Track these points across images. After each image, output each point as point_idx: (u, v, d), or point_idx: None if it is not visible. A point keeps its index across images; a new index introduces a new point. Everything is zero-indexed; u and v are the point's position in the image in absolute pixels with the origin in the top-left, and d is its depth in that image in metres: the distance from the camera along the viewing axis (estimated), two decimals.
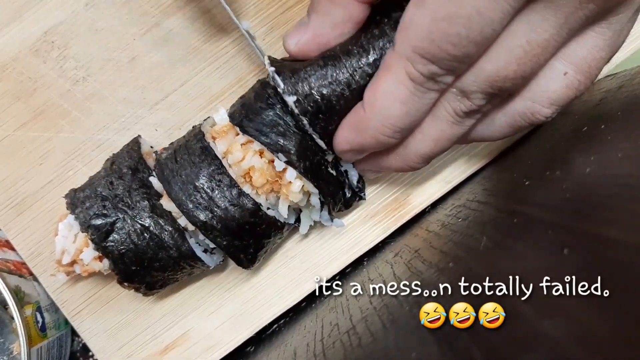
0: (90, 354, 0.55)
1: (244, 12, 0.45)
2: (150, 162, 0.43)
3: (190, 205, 0.39)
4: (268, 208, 0.41)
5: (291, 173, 0.39)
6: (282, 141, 0.38)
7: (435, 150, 0.36)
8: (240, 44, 0.46)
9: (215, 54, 0.46)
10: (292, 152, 0.38)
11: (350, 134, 0.37)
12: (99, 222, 0.40)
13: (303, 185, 0.39)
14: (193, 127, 0.43)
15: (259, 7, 0.45)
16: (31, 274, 0.48)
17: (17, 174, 0.46)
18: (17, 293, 0.47)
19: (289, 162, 0.38)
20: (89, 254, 0.41)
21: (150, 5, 0.46)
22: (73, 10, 0.46)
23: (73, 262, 0.42)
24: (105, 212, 0.41)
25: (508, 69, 0.30)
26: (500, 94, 0.32)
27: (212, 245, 0.42)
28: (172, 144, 0.43)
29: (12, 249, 0.48)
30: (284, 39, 0.38)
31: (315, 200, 0.41)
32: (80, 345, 0.55)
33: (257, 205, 0.39)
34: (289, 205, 0.41)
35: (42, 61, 0.46)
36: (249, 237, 0.41)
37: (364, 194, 0.44)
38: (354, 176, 0.44)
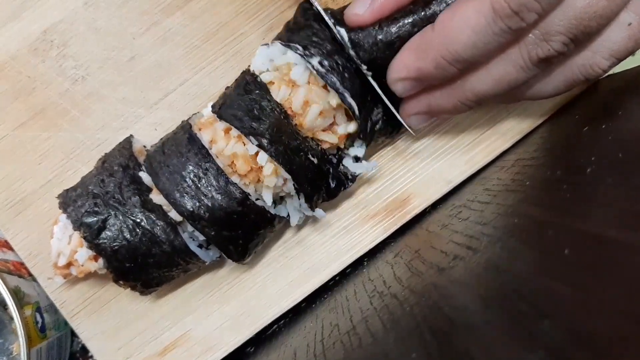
0: (90, 354, 0.55)
1: (244, 10, 0.45)
2: (142, 159, 0.43)
3: (177, 195, 0.39)
4: (257, 199, 0.41)
5: (263, 156, 0.39)
6: (255, 125, 0.38)
7: (492, 91, 0.36)
8: (240, 42, 0.46)
9: (215, 53, 0.46)
10: (265, 135, 0.38)
11: (410, 55, 0.36)
12: (90, 219, 0.40)
13: (276, 169, 0.39)
14: (182, 122, 0.43)
15: (259, 6, 0.45)
16: (30, 274, 0.48)
17: (16, 174, 0.46)
18: (16, 293, 0.47)
19: (259, 145, 0.38)
20: (84, 253, 0.41)
21: (149, 4, 0.46)
22: (72, 9, 0.46)
23: (69, 264, 0.42)
24: (96, 209, 0.40)
25: (598, 4, 0.31)
26: (581, 37, 0.32)
27: (203, 238, 0.42)
28: (161, 138, 0.43)
29: (12, 249, 0.48)
30: (349, 10, 0.38)
31: (290, 186, 0.41)
32: (80, 345, 0.55)
33: (245, 195, 0.39)
34: (277, 197, 0.41)
35: (41, 60, 0.46)
36: (237, 228, 0.40)
37: (349, 184, 0.44)
38: (354, 168, 0.43)
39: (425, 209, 0.47)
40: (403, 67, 0.37)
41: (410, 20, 0.37)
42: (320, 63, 0.38)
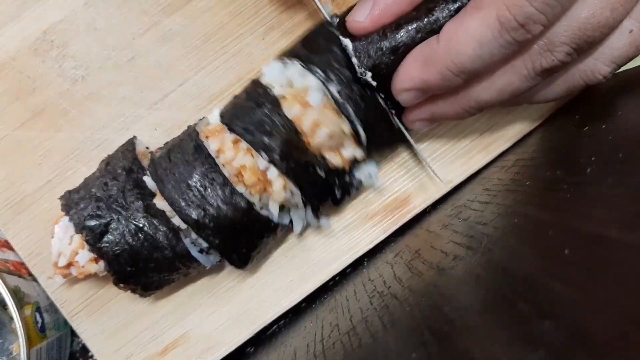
0: (90, 354, 0.55)
1: (244, 10, 0.45)
2: (146, 162, 0.43)
3: (183, 204, 0.39)
4: (261, 208, 0.41)
5: (273, 172, 0.39)
6: (266, 140, 0.38)
7: (495, 100, 0.36)
8: (240, 43, 0.46)
9: (215, 53, 0.46)
10: (276, 151, 0.38)
11: (415, 66, 0.36)
12: (93, 223, 0.40)
13: (285, 184, 0.39)
14: (188, 127, 0.43)
15: (258, 6, 0.45)
16: (30, 274, 0.48)
17: (16, 174, 0.46)
18: (16, 293, 0.47)
19: (271, 161, 0.38)
20: (85, 255, 0.41)
21: (149, 4, 0.45)
22: (72, 9, 0.46)
23: (69, 265, 0.42)
24: (99, 212, 0.40)
25: (602, 15, 0.31)
26: (585, 47, 0.33)
27: (206, 245, 0.42)
28: (166, 143, 0.43)
29: (12, 249, 0.48)
30: (350, 17, 0.38)
31: (297, 199, 0.41)
32: (80, 345, 0.55)
33: (250, 205, 0.39)
34: (281, 205, 0.41)
35: (41, 60, 0.46)
36: (241, 237, 0.41)
37: (354, 191, 0.44)
38: (365, 180, 0.43)
39: (425, 209, 0.47)
40: (408, 78, 0.37)
41: (414, 27, 0.37)
42: (339, 91, 0.38)
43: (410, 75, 0.37)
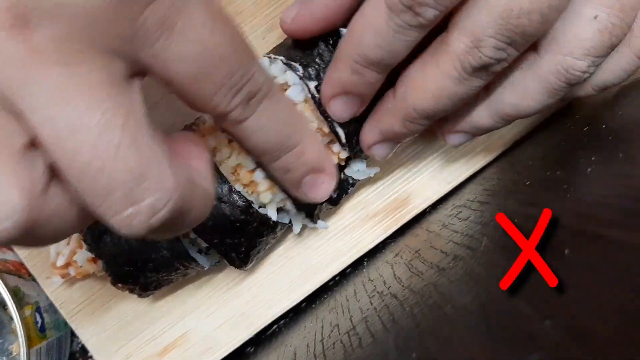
0: (89, 354, 0.55)
1: (244, 10, 0.45)
2: None
3: None
4: (260, 206, 0.40)
5: (259, 174, 0.38)
6: None
7: (434, 106, 0.33)
8: None
9: None
10: None
11: (330, 70, 0.35)
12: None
13: (271, 187, 0.39)
14: (185, 126, 0.43)
15: (258, 5, 0.45)
16: (30, 274, 0.48)
17: None
18: (16, 293, 0.47)
19: (257, 162, 0.38)
20: (83, 255, 0.41)
21: None
22: None
23: (68, 265, 0.42)
24: None
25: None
26: (521, 41, 0.29)
27: (204, 245, 0.42)
28: None
29: (11, 249, 0.48)
30: (281, 19, 0.37)
31: (289, 206, 0.41)
32: (80, 346, 0.55)
33: (248, 203, 0.39)
34: (281, 205, 0.41)
35: None
36: (240, 236, 0.40)
37: (350, 189, 0.43)
38: (357, 175, 0.43)
39: (425, 209, 0.47)
40: (326, 86, 0.36)
41: None
42: (317, 87, 0.37)
43: (326, 82, 0.36)
